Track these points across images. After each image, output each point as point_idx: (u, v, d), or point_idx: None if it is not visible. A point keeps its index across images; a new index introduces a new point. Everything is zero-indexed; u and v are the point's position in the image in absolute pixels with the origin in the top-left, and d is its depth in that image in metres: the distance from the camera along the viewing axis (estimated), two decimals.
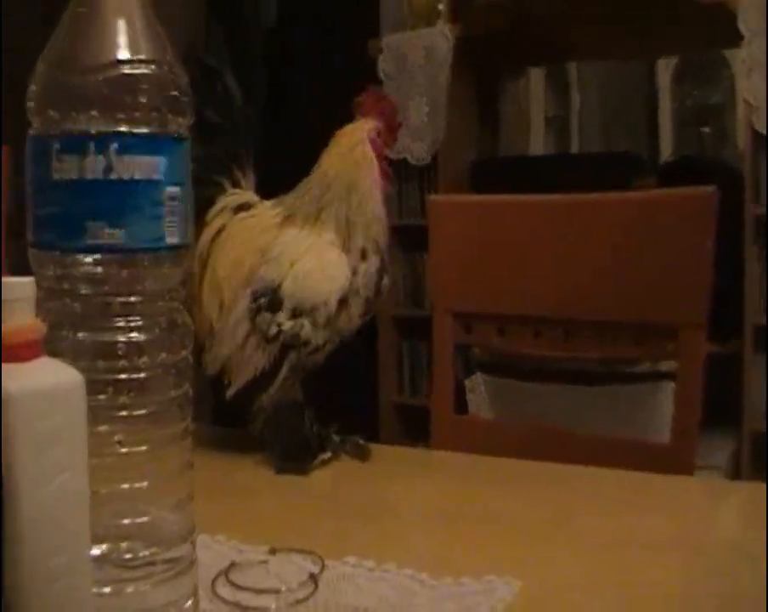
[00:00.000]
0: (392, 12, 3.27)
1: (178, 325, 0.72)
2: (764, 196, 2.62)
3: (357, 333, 1.19)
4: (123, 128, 0.65)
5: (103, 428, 0.69)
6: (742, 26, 2.54)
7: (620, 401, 2.29)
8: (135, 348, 0.69)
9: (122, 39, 0.67)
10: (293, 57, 3.49)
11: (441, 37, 2.87)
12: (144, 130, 0.66)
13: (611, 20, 2.83)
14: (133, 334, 0.69)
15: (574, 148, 4.46)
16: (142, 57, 0.66)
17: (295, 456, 1.14)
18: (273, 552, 0.85)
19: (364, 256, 1.16)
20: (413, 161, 2.95)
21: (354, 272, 1.15)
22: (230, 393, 1.17)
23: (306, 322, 1.14)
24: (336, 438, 1.19)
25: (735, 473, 2.59)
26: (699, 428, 1.28)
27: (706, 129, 3.95)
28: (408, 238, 2.90)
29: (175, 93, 0.68)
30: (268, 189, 1.26)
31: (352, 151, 1.20)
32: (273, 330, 1.14)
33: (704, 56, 4.10)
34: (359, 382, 3.03)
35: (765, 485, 0.95)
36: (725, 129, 4.01)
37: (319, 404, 1.21)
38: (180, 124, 0.68)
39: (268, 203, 1.24)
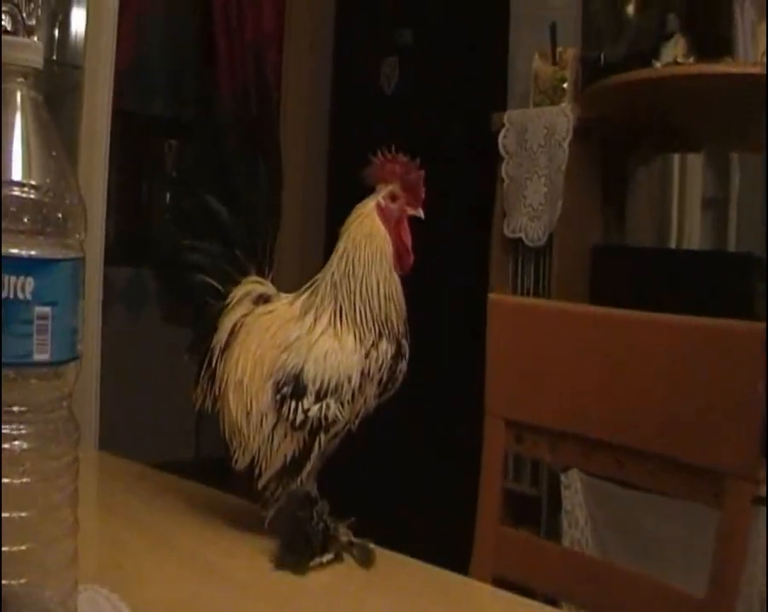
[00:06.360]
0: (520, 85, 3.23)
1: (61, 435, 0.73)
2: None
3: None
4: None
5: None
6: None
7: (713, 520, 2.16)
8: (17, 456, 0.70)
9: (15, 162, 0.67)
10: (411, 125, 3.49)
11: (561, 117, 2.78)
12: (14, 251, 0.66)
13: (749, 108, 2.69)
14: (16, 442, 0.70)
15: (732, 234, 4.26)
16: (32, 182, 0.67)
17: (294, 551, 1.09)
18: None
19: (377, 339, 1.12)
20: (528, 242, 2.86)
21: (367, 355, 1.11)
22: (262, 483, 1.15)
23: (331, 402, 1.11)
24: (345, 538, 1.14)
25: None
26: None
27: None
28: None
29: (59, 216, 0.67)
30: None
31: (362, 226, 1.15)
32: (300, 416, 1.11)
33: None
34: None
35: None
36: None
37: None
38: (61, 246, 0.68)
39: (285, 297, 1.21)
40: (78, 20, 2.13)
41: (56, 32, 2.10)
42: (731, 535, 1.18)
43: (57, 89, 2.09)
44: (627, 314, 1.37)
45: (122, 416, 3.22)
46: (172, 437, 4.39)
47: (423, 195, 1.16)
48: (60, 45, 2.11)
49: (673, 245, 3.24)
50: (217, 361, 1.18)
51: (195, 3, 4.83)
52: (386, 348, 1.12)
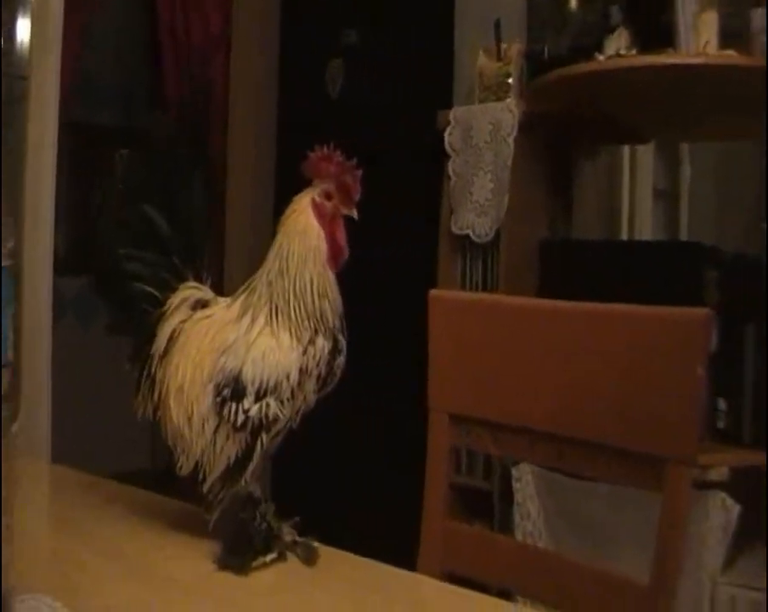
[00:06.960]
0: (466, 82, 3.23)
1: None
2: None
3: None
4: None
5: None
6: None
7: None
8: None
9: None
10: (358, 125, 3.49)
11: (506, 112, 2.79)
12: None
13: (694, 101, 2.72)
14: None
15: (683, 226, 4.27)
16: None
17: (236, 552, 1.10)
18: None
19: (314, 336, 1.12)
20: (475, 238, 2.86)
21: (304, 352, 1.12)
22: (206, 486, 1.15)
23: (271, 401, 1.11)
24: (288, 537, 1.15)
25: None
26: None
27: None
28: None
29: None
30: None
31: (296, 223, 1.16)
32: (241, 417, 1.11)
33: None
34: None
35: None
36: None
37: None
38: None
39: (223, 301, 1.22)
40: (23, 31, 2.11)
41: (1, 42, 2.08)
42: (672, 520, 1.19)
43: (3, 100, 2.08)
44: (565, 305, 1.38)
45: (77, 428, 3.19)
46: (127, 447, 4.36)
47: (358, 196, 1.16)
48: (6, 55, 2.09)
49: (624, 236, 3.26)
50: (156, 368, 1.18)
51: (143, 11, 4.80)
52: (322, 344, 1.13)
